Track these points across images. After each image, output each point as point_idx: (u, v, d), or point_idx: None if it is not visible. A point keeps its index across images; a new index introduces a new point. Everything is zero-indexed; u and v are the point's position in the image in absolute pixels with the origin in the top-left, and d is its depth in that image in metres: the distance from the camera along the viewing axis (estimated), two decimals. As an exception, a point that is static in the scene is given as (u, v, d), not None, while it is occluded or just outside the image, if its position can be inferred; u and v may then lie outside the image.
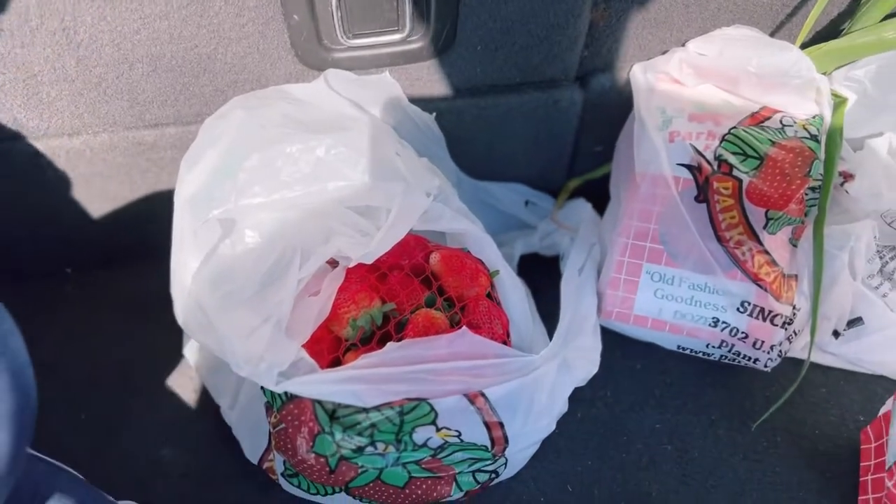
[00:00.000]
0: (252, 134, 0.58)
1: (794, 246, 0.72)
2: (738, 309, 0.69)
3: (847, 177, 0.76)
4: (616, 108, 0.78)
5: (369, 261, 0.62)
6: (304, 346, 0.60)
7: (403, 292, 0.66)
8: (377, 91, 0.70)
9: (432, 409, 0.57)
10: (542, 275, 0.79)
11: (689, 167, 0.71)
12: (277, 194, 0.57)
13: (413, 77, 0.72)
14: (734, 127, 0.71)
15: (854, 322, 0.74)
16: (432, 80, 0.72)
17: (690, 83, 0.73)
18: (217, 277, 0.60)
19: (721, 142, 0.70)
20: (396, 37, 0.67)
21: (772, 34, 0.73)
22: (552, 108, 0.77)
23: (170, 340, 0.75)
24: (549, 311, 0.73)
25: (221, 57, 0.65)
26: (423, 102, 0.74)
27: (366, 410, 0.56)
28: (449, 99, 0.74)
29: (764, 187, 0.69)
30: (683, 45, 0.74)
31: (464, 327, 0.59)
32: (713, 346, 0.71)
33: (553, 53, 0.72)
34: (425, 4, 0.64)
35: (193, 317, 0.59)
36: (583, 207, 0.81)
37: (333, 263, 0.65)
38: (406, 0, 0.63)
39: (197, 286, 0.59)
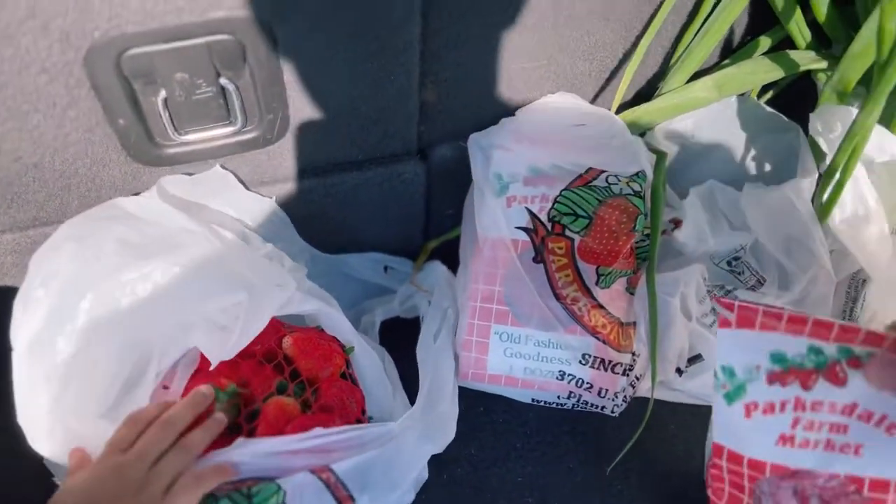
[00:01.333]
0: (85, 269, 0.58)
1: (631, 294, 0.76)
2: (580, 361, 0.73)
3: (677, 223, 0.81)
4: (460, 175, 0.81)
5: (227, 358, 0.64)
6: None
7: (256, 379, 0.67)
8: (213, 186, 0.71)
9: (280, 488, 0.59)
10: (405, 338, 0.81)
11: (526, 230, 0.75)
12: (118, 324, 0.58)
13: (254, 163, 0.73)
14: (565, 188, 0.75)
15: (694, 359, 0.79)
16: (274, 165, 0.74)
17: (523, 150, 0.77)
18: (76, 401, 0.60)
19: (553, 203, 0.75)
20: (229, 129, 0.68)
21: (592, 100, 0.77)
22: (397, 181, 0.80)
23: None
24: (413, 374, 0.75)
25: (49, 165, 0.65)
26: (268, 186, 0.76)
27: (213, 496, 0.57)
28: (294, 180, 0.76)
29: (593, 245, 0.73)
30: (513, 114, 0.78)
31: (316, 428, 0.61)
32: (563, 398, 0.75)
33: (390, 132, 0.75)
34: (254, 98, 0.66)
35: (58, 445, 0.59)
36: (438, 270, 0.84)
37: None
38: (233, 96, 0.65)
39: (56, 414, 0.59)
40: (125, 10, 0.55)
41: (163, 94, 0.63)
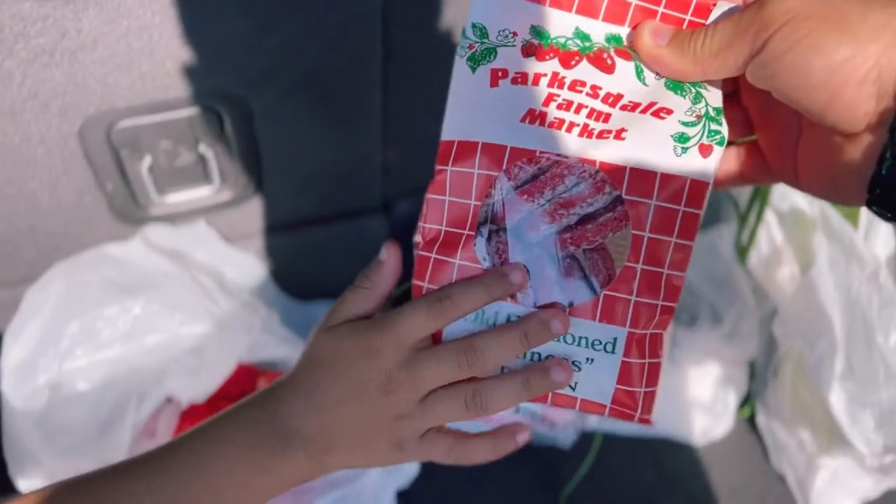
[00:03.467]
0: (72, 302, 0.64)
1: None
2: (533, 396, 0.80)
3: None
4: (421, 227, 0.89)
5: (200, 401, 0.69)
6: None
7: (234, 421, 0.73)
8: (195, 239, 0.77)
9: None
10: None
11: (481, 276, 0.82)
12: (99, 354, 0.63)
13: (231, 220, 0.80)
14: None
15: (638, 391, 0.86)
16: (248, 221, 0.81)
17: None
18: (54, 436, 0.65)
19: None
20: (207, 190, 0.75)
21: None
22: (362, 234, 0.87)
23: None
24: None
25: (42, 227, 0.71)
26: (244, 240, 0.82)
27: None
28: (268, 235, 0.83)
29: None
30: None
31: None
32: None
33: (355, 190, 0.82)
34: (230, 163, 0.73)
35: (35, 480, 0.63)
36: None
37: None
38: (211, 161, 0.72)
39: (35, 448, 0.64)
40: (117, 88, 0.62)
41: (147, 160, 0.69)
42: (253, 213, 0.80)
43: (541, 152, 0.36)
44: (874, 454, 0.69)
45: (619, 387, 0.36)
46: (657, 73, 0.35)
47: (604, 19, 0.36)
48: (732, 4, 0.33)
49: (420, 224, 0.42)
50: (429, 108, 0.78)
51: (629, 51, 0.36)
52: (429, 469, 0.78)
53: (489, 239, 0.37)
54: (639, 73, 0.36)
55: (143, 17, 0.57)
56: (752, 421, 0.88)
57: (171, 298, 0.67)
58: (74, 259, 0.70)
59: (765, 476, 0.85)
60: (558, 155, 0.36)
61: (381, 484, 0.71)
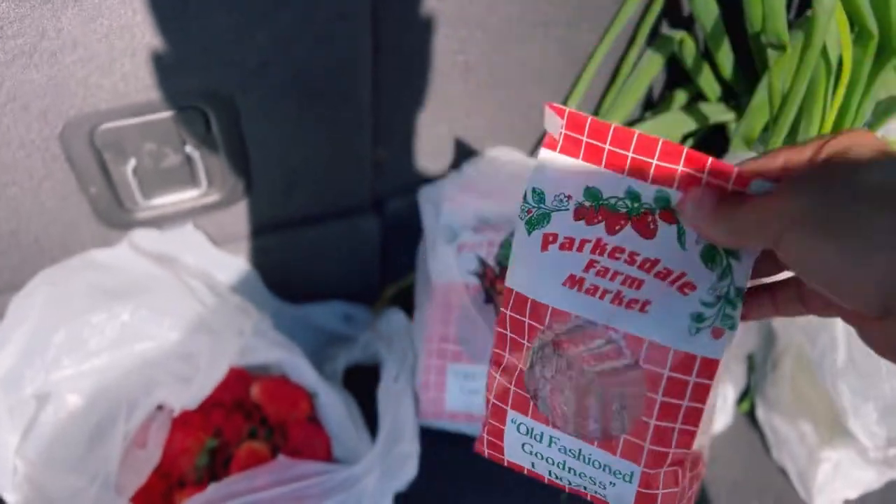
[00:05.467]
0: (58, 309, 0.62)
1: (576, 329, 0.82)
2: (531, 395, 0.79)
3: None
4: (413, 225, 0.87)
5: (192, 407, 0.67)
6: (135, 495, 0.64)
7: (228, 427, 0.71)
8: (183, 242, 0.76)
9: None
10: (367, 383, 0.86)
11: (476, 274, 0.81)
12: (87, 364, 0.62)
13: (219, 222, 0.78)
14: (510, 234, 0.82)
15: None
16: (237, 223, 0.79)
17: (470, 200, 0.84)
18: (42, 448, 0.63)
19: (500, 248, 0.81)
20: (195, 192, 0.73)
21: (530, 153, 0.85)
22: (354, 233, 0.85)
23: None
24: (376, 417, 0.80)
25: (24, 232, 0.69)
26: (233, 243, 0.81)
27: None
28: (257, 236, 0.81)
29: (538, 286, 0.79)
30: (460, 168, 0.85)
31: (280, 456, 0.65)
32: (518, 430, 0.80)
33: (345, 189, 0.81)
34: (217, 164, 0.72)
35: (23, 493, 0.62)
36: (396, 317, 0.89)
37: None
38: (197, 162, 0.70)
39: (22, 461, 0.62)
40: (99, 90, 0.60)
41: (132, 162, 0.68)
42: (242, 214, 0.78)
43: (576, 316, 0.41)
44: (877, 447, 0.69)
45: None
46: (697, 238, 0.38)
47: (653, 182, 0.38)
48: (767, 184, 0.34)
49: (492, 348, 0.48)
50: (419, 106, 0.77)
51: (674, 213, 0.38)
52: (427, 472, 0.77)
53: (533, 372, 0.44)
54: (680, 236, 0.39)
55: (125, 16, 0.56)
56: (751, 415, 0.87)
57: (160, 304, 0.65)
58: (60, 266, 0.68)
59: (766, 469, 0.84)
60: (588, 322, 0.41)
61: (380, 487, 0.70)
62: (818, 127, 0.71)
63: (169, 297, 0.66)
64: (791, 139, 0.74)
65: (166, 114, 0.65)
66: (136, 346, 0.63)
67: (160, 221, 0.75)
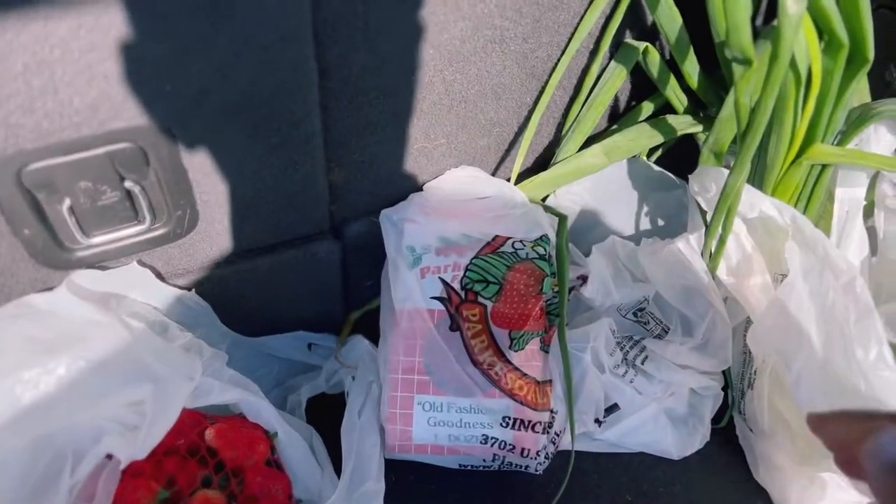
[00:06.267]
0: (-13, 366, 0.58)
1: (546, 352, 0.80)
2: (501, 424, 0.76)
3: (584, 279, 0.85)
4: (375, 249, 0.84)
5: (140, 457, 0.63)
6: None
7: (181, 476, 0.67)
8: (129, 281, 0.72)
9: None
10: (333, 415, 0.83)
11: (441, 299, 0.78)
12: (24, 420, 0.58)
13: (167, 257, 0.74)
14: (475, 256, 0.79)
15: (611, 409, 0.83)
16: (187, 256, 0.75)
17: (433, 222, 0.80)
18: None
19: (465, 272, 0.78)
20: (139, 228, 0.69)
21: (493, 171, 0.81)
22: (312, 261, 0.82)
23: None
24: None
25: (-46, 280, 0.65)
26: (184, 277, 0.77)
27: None
28: (209, 269, 0.77)
29: (505, 310, 0.76)
30: (421, 189, 0.81)
31: (234, 508, 0.61)
32: (489, 461, 0.77)
33: (300, 215, 0.77)
34: (161, 197, 0.67)
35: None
36: (361, 344, 0.85)
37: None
38: (139, 197, 0.66)
39: None
40: (21, 129, 0.56)
41: (67, 202, 0.63)
42: (192, 247, 0.74)
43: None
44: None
45: None
46: None
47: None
48: None
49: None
50: (372, 128, 0.73)
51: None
52: (404, 498, 0.74)
53: None
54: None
55: (41, 52, 0.52)
56: (728, 433, 0.85)
57: (99, 353, 0.61)
58: (-8, 316, 0.63)
59: (745, 489, 0.82)
60: None
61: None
62: (789, 138, 0.68)
63: (109, 345, 0.62)
64: (761, 152, 0.71)
65: (99, 151, 0.61)
66: (75, 398, 0.59)
67: (104, 258, 0.70)
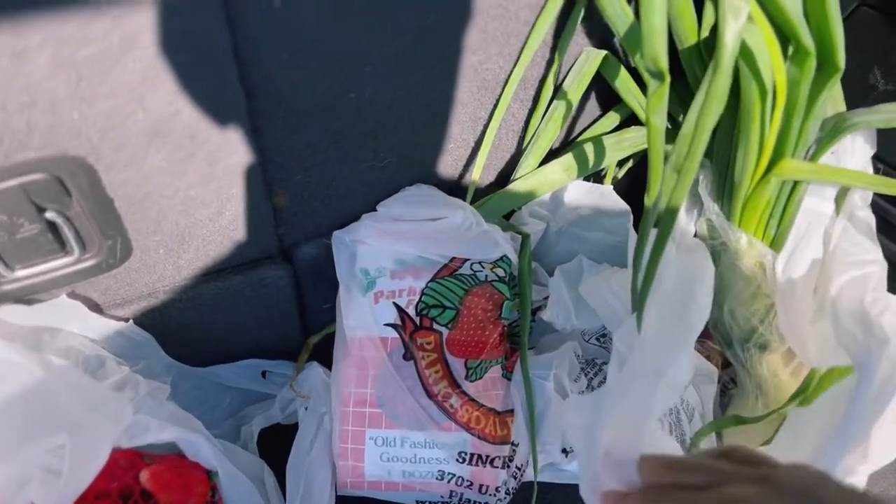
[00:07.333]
0: None
1: (508, 379, 0.75)
2: (457, 459, 0.71)
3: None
4: (331, 271, 0.80)
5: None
6: None
7: (113, 521, 0.64)
8: (61, 314, 0.68)
9: None
10: (287, 447, 0.79)
11: (394, 326, 0.74)
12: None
13: (103, 287, 0.71)
14: (431, 280, 0.74)
15: (578, 437, 0.78)
16: (124, 286, 0.71)
17: (387, 243, 0.76)
18: None
19: (421, 296, 0.74)
20: (67, 259, 0.65)
21: (450, 190, 0.77)
22: (260, 286, 0.78)
23: None
24: (296, 485, 0.73)
25: None
26: (123, 307, 0.73)
27: None
28: (149, 298, 0.74)
29: (461, 338, 0.72)
30: (374, 209, 0.77)
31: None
32: (446, 497, 0.73)
33: (245, 240, 0.73)
34: (88, 227, 0.64)
35: None
36: (314, 372, 0.81)
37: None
38: (64, 229, 0.62)
39: None
40: (-83, 165, 0.52)
41: (-17, 236, 0.60)
42: (128, 276, 0.70)
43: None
44: None
45: None
46: None
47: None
48: None
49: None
50: (314, 149, 0.69)
51: None
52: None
53: None
54: None
55: (-76, 85, 0.48)
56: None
57: (17, 397, 0.57)
58: None
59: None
60: None
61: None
62: (756, 153, 0.63)
63: (26, 388, 0.58)
64: (727, 166, 0.66)
65: (11, 183, 0.57)
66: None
67: (33, 291, 0.67)
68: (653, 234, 0.57)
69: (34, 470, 0.60)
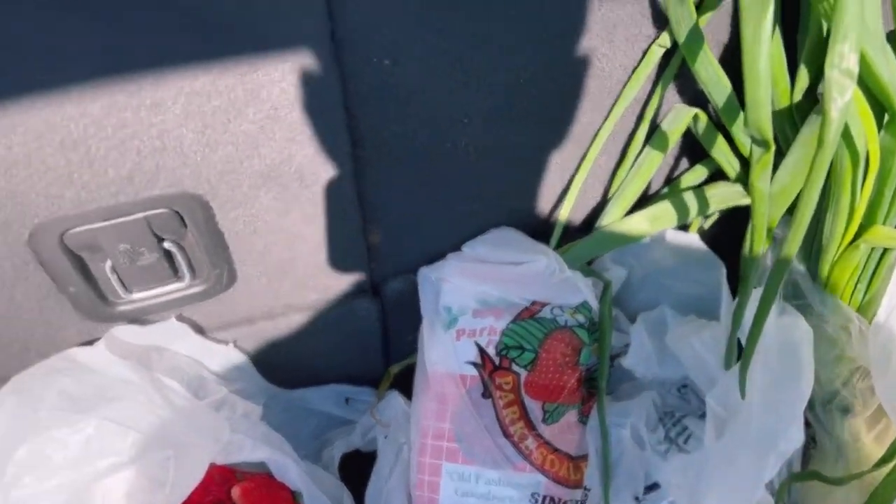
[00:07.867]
0: (23, 422, 0.61)
1: (584, 424, 0.77)
2: (530, 500, 0.73)
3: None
4: (416, 305, 0.83)
5: (166, 515, 0.65)
6: None
7: (206, 532, 0.69)
8: (167, 336, 0.74)
9: None
10: (366, 473, 0.82)
11: (474, 364, 0.76)
12: (50, 481, 0.60)
13: (207, 311, 0.76)
14: (512, 321, 0.77)
15: (651, 487, 0.79)
16: (227, 311, 0.77)
17: (471, 283, 0.79)
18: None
19: (501, 336, 0.76)
20: (179, 285, 0.71)
21: (534, 234, 0.79)
22: (351, 318, 0.82)
23: None
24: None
25: (5, 332, 0.68)
26: (224, 331, 0.78)
27: None
28: (249, 324, 0.79)
29: (539, 381, 0.74)
30: (459, 249, 0.80)
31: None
32: (517, 536, 0.75)
33: (340, 273, 0.78)
34: (199, 256, 0.69)
35: None
36: (395, 401, 0.85)
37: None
38: (178, 257, 0.68)
39: None
40: (61, 199, 0.58)
41: (109, 262, 0.66)
42: (231, 303, 0.76)
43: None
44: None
45: None
46: None
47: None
48: None
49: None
50: (410, 192, 0.73)
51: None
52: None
53: None
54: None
55: (76, 132, 0.54)
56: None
57: (127, 415, 0.63)
58: (32, 370, 0.66)
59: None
60: None
61: None
62: (846, 219, 0.63)
63: (138, 407, 0.64)
64: (815, 228, 0.67)
65: (138, 216, 0.63)
66: (99, 462, 0.61)
67: (146, 313, 0.73)
68: (754, 294, 0.58)
69: (144, 480, 0.65)
